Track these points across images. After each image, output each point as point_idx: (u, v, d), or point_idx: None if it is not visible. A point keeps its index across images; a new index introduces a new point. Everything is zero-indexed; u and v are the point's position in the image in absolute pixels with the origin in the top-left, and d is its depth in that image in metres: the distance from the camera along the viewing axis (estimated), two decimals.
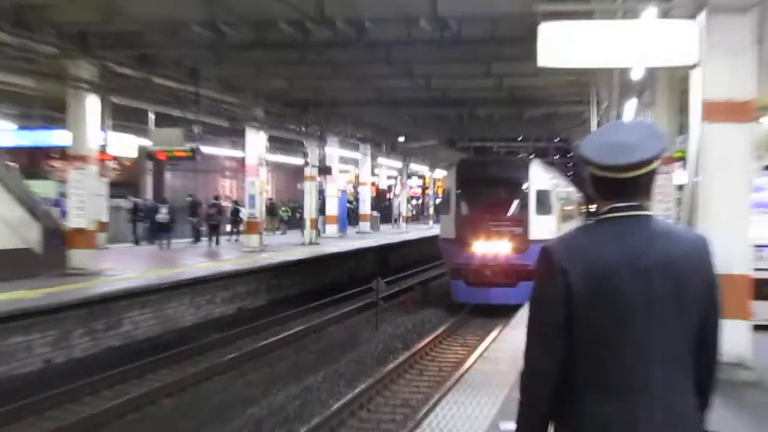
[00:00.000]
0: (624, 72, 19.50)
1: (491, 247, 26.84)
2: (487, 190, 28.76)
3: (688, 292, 3.39)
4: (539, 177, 28.87)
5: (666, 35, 11.83)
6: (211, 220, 39.81)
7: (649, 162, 3.39)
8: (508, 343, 15.31)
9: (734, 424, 8.18)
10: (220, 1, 18.57)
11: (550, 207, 27.88)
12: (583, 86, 28.94)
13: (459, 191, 28.36)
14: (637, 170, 3.40)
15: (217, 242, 39.41)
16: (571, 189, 42.36)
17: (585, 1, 14.33)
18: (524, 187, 28.00)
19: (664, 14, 12.88)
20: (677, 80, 20.07)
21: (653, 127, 3.81)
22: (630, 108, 25.99)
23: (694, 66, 11.80)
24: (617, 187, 3.47)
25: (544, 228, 26.56)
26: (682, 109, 21.03)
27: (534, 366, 3.47)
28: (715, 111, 11.29)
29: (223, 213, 41.99)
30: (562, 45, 11.62)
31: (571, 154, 69.02)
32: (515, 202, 27.98)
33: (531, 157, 37.95)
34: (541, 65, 11.48)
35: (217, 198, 43.69)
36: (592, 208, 43.47)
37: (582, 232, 3.65)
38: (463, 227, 27.53)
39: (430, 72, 30.26)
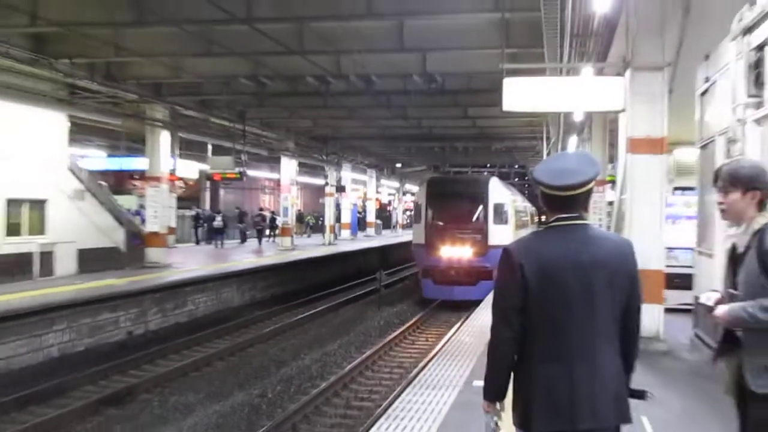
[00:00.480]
0: (568, 115, 19.44)
1: (455, 251, 25.23)
2: (452, 203, 26.81)
3: (615, 282, 3.46)
4: (497, 192, 27.02)
5: (600, 88, 11.79)
6: (257, 226, 41.16)
7: (585, 183, 3.45)
8: (477, 322, 15.23)
9: (651, 384, 8.13)
10: (261, 60, 18.54)
11: (506, 217, 26.28)
12: (537, 125, 29.04)
13: (428, 204, 26.40)
14: (576, 190, 3.45)
15: (260, 242, 39.80)
16: (527, 204, 40.10)
17: (539, 62, 14.28)
18: (484, 200, 26.06)
19: (599, 72, 12.88)
20: (608, 121, 20.11)
21: (589, 156, 3.88)
22: (572, 142, 25.99)
23: (621, 111, 11.79)
24: (561, 202, 3.51)
25: (501, 235, 24.85)
26: (612, 143, 21.17)
27: (498, 338, 3.51)
28: (637, 145, 11.26)
29: (266, 220, 42.52)
30: (520, 95, 11.59)
31: (527, 177, 69.63)
32: (476, 213, 26.10)
33: (491, 176, 34.30)
34: (505, 110, 11.43)
35: (261, 209, 45.52)
36: (543, 218, 37.75)
37: (534, 236, 3.69)
38: (432, 234, 25.73)
39: (420, 115, 30.22)
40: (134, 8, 14.52)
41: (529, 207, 40.03)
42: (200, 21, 14.74)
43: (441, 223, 25.77)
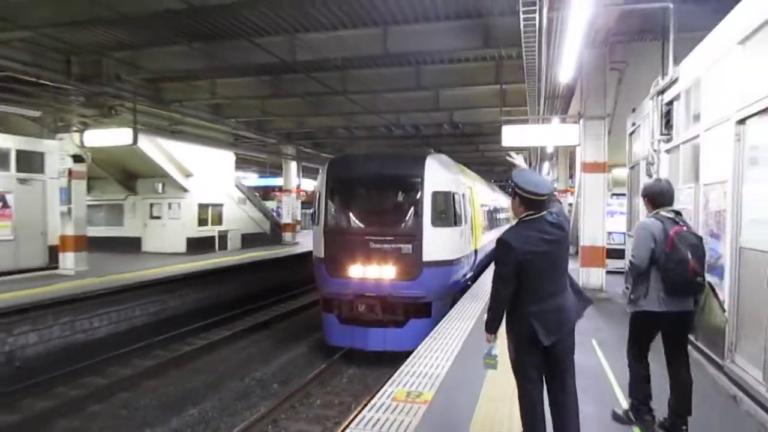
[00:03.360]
0: (543, 148, 19.24)
1: (371, 272, 10.17)
2: (365, 194, 11.23)
3: (564, 250, 3.69)
4: (438, 176, 10.65)
5: (563, 131, 11.62)
6: None
7: (550, 192, 3.64)
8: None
9: (598, 319, 7.96)
10: (351, 117, 18.50)
11: (456, 216, 10.74)
12: (523, 155, 28.46)
13: (329, 197, 10.94)
14: (545, 196, 3.58)
15: None
16: (501, 197, 23.03)
17: (524, 115, 14.09)
18: (416, 190, 10.47)
19: (562, 120, 12.65)
20: (569, 152, 19.83)
21: (545, 178, 4.21)
22: (546, 165, 25.54)
23: (577, 145, 11.59)
24: (536, 203, 3.59)
25: (445, 245, 10.35)
26: (571, 166, 20.71)
27: (501, 295, 3.55)
28: (588, 167, 11.14)
29: None
30: (513, 135, 11.46)
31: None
32: (404, 211, 10.63)
33: (429, 151, 13.01)
34: (504, 145, 11.26)
35: None
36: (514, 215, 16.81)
37: (518, 227, 3.66)
38: (335, 245, 10.52)
39: (449, 150, 29.78)
40: (273, 87, 14.69)
41: (504, 202, 22.13)
42: (315, 93, 14.83)
43: (347, 227, 10.66)
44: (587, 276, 10.99)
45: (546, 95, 12.31)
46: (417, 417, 4.66)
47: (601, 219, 11.14)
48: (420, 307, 9.96)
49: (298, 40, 10.89)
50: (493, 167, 41.75)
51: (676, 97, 7.44)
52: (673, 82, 7.44)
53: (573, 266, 12.38)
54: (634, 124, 10.39)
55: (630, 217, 11.23)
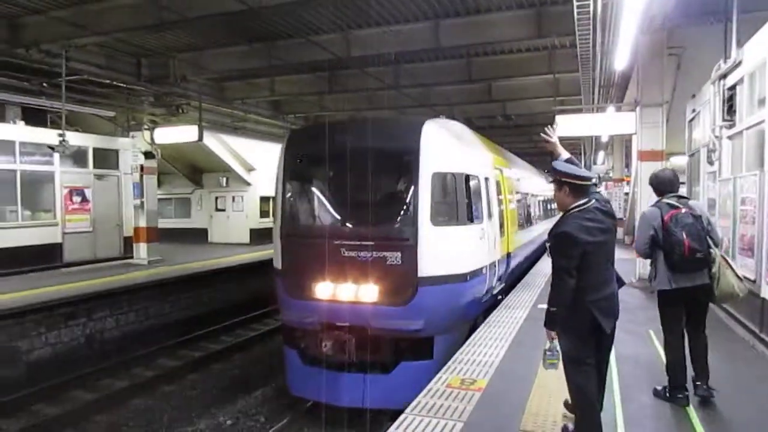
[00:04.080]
0: (597, 137, 18.63)
1: (344, 292, 6.32)
2: (335, 180, 6.92)
3: (614, 237, 3.69)
4: (443, 151, 6.57)
5: (619, 119, 11.27)
6: None
7: (594, 177, 3.77)
8: (541, 268, 14.31)
9: (655, 310, 7.69)
10: (402, 111, 18.50)
11: (472, 209, 6.86)
12: (577, 145, 27.61)
13: (287, 186, 7.15)
14: (592, 181, 3.64)
15: None
16: (542, 182, 16.73)
17: (577, 105, 13.69)
18: (408, 171, 6.41)
19: (618, 109, 12.23)
20: (624, 141, 19.19)
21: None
22: (601, 155, 24.77)
23: (633, 134, 11.18)
24: (584, 189, 3.59)
25: (454, 251, 6.47)
26: (627, 155, 20.02)
27: (566, 287, 3.45)
28: (645, 155, 10.74)
29: None
30: (567, 125, 11.17)
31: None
32: (390, 204, 6.72)
33: (426, 117, 7.17)
34: (557, 135, 10.95)
35: None
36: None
37: (574, 218, 3.58)
38: (294, 253, 6.87)
39: (501, 141, 29.35)
40: (329, 83, 14.82)
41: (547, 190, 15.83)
42: (368, 89, 14.88)
43: (310, 228, 7.17)
44: (643, 266, 10.62)
45: (601, 83, 11.94)
46: (471, 404, 4.62)
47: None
48: (415, 344, 6.33)
49: (352, 36, 10.94)
50: (546, 158, 40.80)
51: (740, 81, 7.04)
52: (737, 65, 7.04)
53: (627, 256, 11.98)
54: (693, 111, 9.92)
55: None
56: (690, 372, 4.49)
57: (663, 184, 4.59)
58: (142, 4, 9.24)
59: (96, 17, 9.60)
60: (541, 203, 15.16)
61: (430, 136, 6.69)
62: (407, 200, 6.62)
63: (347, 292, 6.47)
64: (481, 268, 7.20)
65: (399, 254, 6.34)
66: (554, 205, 14.44)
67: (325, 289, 6.58)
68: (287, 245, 7.12)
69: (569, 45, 11.27)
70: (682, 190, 5.01)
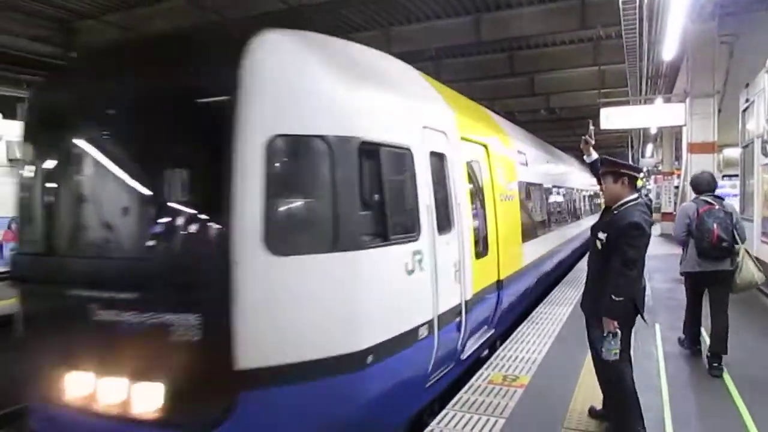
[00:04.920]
0: (646, 130, 18.19)
1: (106, 395, 2.65)
2: (78, 163, 2.76)
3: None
4: (296, 89, 2.67)
5: (668, 110, 11.04)
6: None
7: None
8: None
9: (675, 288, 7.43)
10: None
11: (383, 213, 3.12)
12: (624, 137, 26.96)
13: (24, 185, 3.17)
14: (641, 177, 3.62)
15: None
16: (579, 177, 12.96)
17: (624, 96, 13.37)
18: (213, 137, 2.43)
19: (667, 100, 11.90)
20: (674, 133, 18.72)
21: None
22: (649, 147, 24.15)
23: (683, 125, 10.86)
24: (636, 184, 3.70)
25: (325, 309, 2.84)
26: (677, 147, 19.49)
27: (632, 277, 3.46)
28: (695, 147, 10.51)
29: None
30: (613, 117, 10.98)
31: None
32: (173, 209, 2.75)
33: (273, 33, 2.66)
34: (603, 128, 10.75)
35: None
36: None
37: (636, 209, 3.57)
38: (26, 313, 2.92)
39: (545, 136, 28.92)
40: None
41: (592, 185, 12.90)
42: None
43: (41, 268, 3.10)
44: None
45: (648, 74, 11.63)
46: (513, 400, 4.57)
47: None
48: None
49: (393, 32, 10.95)
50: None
51: None
52: None
53: (679, 251, 11.56)
54: (747, 100, 9.53)
55: (743, 199, 10.33)
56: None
57: (701, 185, 5.19)
58: (187, 6, 9.49)
59: (145, 21, 9.92)
60: (579, 199, 12.02)
61: (269, 59, 3.16)
62: (211, 201, 3.11)
63: (108, 392, 3.19)
64: (416, 329, 3.85)
65: (192, 318, 2.97)
66: (578, 204, 12.40)
67: (73, 387, 3.32)
68: (21, 298, 3.65)
69: (615, 35, 10.99)
70: (735, 182, 5.31)
